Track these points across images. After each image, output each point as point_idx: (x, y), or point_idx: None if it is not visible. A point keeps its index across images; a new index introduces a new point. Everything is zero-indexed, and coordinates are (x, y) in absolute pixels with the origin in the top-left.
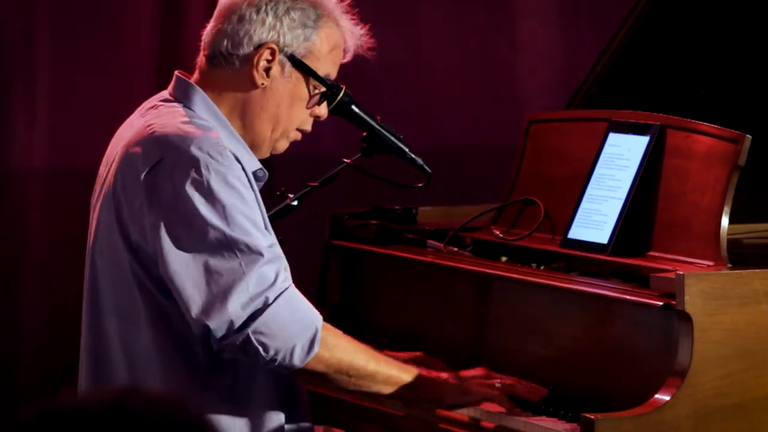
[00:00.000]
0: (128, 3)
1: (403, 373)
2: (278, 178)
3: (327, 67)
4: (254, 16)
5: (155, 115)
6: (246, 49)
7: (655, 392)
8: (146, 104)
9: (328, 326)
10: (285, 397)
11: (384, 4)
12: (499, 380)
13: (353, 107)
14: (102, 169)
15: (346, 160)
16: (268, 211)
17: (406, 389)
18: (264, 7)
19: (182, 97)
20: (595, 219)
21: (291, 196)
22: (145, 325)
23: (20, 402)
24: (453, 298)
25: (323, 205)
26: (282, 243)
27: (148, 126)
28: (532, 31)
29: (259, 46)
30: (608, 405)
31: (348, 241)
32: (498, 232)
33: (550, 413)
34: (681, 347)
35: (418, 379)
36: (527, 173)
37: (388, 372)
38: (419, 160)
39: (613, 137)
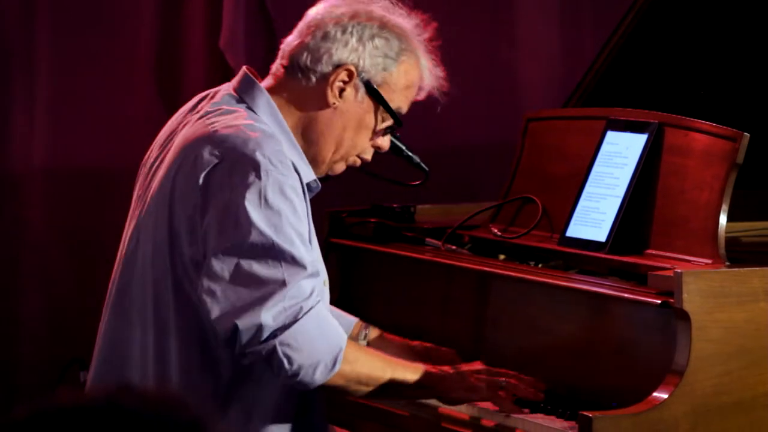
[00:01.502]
0: (128, 3)
1: (414, 374)
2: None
3: (400, 101)
4: (338, 36)
5: (217, 113)
6: (325, 66)
7: (654, 390)
8: (206, 98)
9: (349, 341)
10: (302, 409)
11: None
12: (504, 379)
13: None
14: (148, 166)
15: None
16: None
17: (415, 389)
18: (350, 29)
19: (247, 96)
20: (594, 217)
21: None
22: (176, 338)
23: (19, 401)
24: (451, 296)
25: (320, 203)
26: None
27: (210, 125)
28: (531, 29)
29: (338, 66)
30: (606, 403)
31: (346, 239)
32: (496, 230)
33: (548, 411)
34: (679, 345)
35: (426, 378)
36: (525, 171)
37: (402, 377)
38: (416, 158)
39: (611, 135)
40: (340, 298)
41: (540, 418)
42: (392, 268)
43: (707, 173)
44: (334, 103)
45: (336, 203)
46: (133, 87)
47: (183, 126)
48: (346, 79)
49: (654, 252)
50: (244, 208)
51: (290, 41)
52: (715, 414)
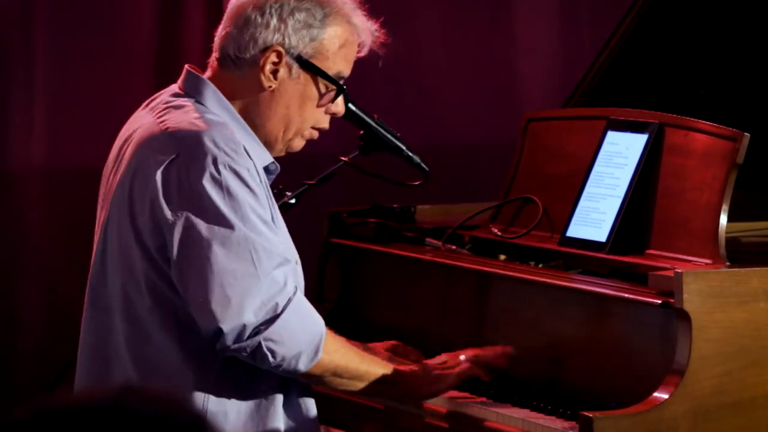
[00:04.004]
0: (127, 3)
1: (386, 371)
2: (276, 176)
3: (338, 65)
4: (259, 20)
5: (166, 111)
6: (252, 52)
7: (654, 390)
8: (155, 99)
9: (328, 331)
10: (291, 394)
11: (382, 1)
12: (462, 354)
13: (350, 105)
14: (109, 168)
15: (343, 158)
16: None
17: (389, 386)
18: (268, 10)
19: (193, 91)
20: (594, 217)
21: (289, 194)
22: (156, 329)
23: (19, 401)
24: (451, 296)
25: (321, 204)
26: None
27: (161, 122)
28: (531, 29)
29: (265, 49)
30: (607, 403)
31: (346, 239)
32: (496, 231)
33: (549, 411)
34: (679, 345)
35: (398, 374)
36: (526, 171)
37: (376, 371)
38: (416, 158)
39: (611, 135)
40: (340, 298)
41: (540, 418)
42: (392, 268)
43: (707, 173)
44: (270, 87)
45: (336, 203)
46: (133, 86)
47: (136, 129)
48: (276, 60)
49: (654, 252)
50: (210, 201)
51: (219, 33)
52: (715, 414)
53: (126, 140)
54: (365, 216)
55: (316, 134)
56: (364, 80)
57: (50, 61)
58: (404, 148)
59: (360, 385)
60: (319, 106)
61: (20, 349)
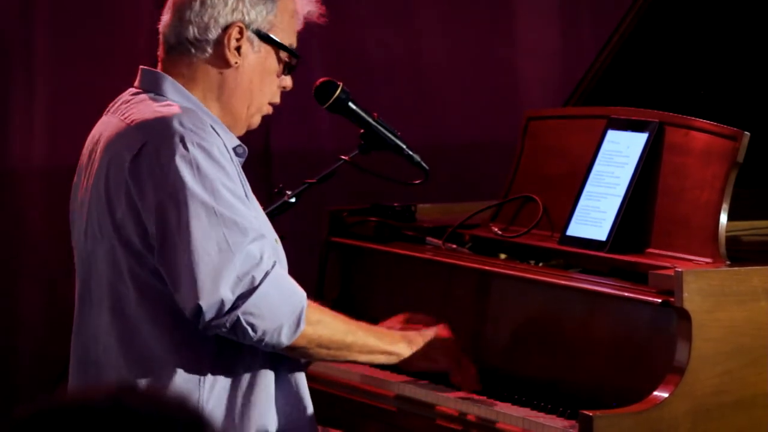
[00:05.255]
0: (127, 2)
1: (377, 340)
2: (276, 175)
3: (290, 36)
4: (215, 0)
5: (128, 108)
6: (214, 32)
7: (654, 389)
8: (116, 103)
9: (311, 302)
10: (282, 378)
11: (382, 1)
12: (465, 359)
13: (350, 104)
14: (81, 175)
15: (343, 156)
16: (265, 209)
17: (377, 355)
18: None
19: (151, 86)
20: (594, 216)
21: (289, 193)
22: (146, 321)
23: (19, 401)
24: (451, 295)
25: (321, 202)
26: (282, 239)
27: (125, 118)
28: (531, 28)
29: (227, 27)
30: (607, 402)
31: (347, 238)
32: (497, 229)
33: (549, 410)
34: (679, 344)
35: (389, 344)
36: (526, 170)
37: (364, 341)
38: (416, 157)
39: (611, 134)
40: (340, 297)
41: (541, 417)
42: (393, 267)
43: (708, 172)
44: (236, 63)
45: (336, 202)
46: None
47: (102, 133)
48: (239, 36)
49: (654, 251)
50: (182, 181)
51: (167, 22)
52: (715, 413)
53: (94, 145)
54: (366, 215)
55: (271, 110)
56: (364, 80)
57: (50, 61)
58: (404, 146)
59: (349, 356)
60: (278, 77)
61: (20, 349)
